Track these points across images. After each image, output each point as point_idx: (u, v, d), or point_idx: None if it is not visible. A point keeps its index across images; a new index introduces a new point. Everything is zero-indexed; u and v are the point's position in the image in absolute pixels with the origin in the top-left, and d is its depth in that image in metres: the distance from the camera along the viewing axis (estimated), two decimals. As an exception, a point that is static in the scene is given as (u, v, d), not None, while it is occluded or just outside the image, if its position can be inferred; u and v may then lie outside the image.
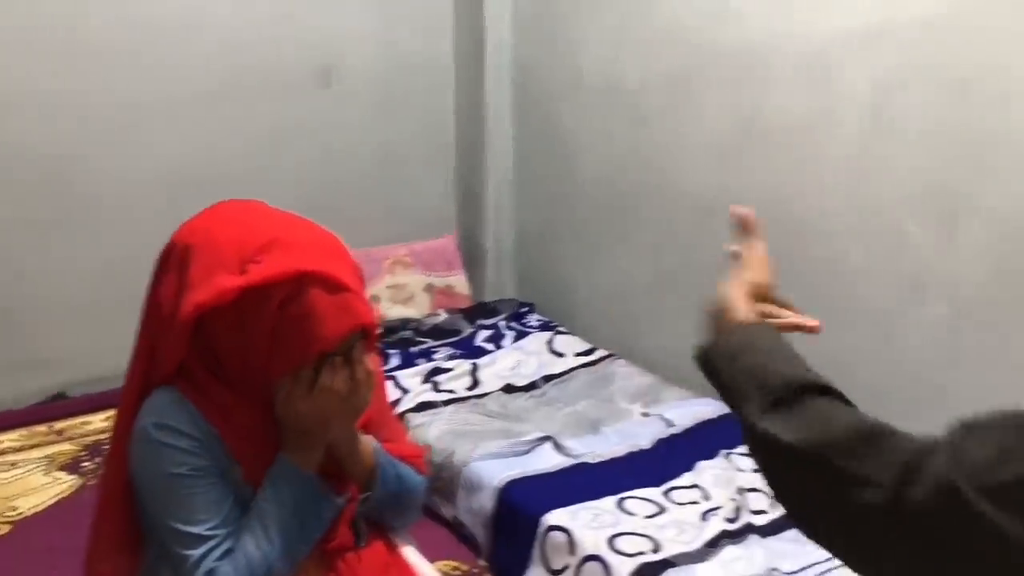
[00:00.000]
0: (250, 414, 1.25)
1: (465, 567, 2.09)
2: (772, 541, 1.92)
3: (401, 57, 3.14)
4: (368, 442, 1.36)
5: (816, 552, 1.87)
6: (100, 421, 2.59)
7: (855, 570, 0.79)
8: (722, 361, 0.90)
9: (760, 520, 1.98)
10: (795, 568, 1.82)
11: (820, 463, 0.75)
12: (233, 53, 2.86)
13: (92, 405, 2.65)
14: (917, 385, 2.15)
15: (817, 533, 0.80)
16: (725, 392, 0.89)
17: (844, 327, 2.27)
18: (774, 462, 0.83)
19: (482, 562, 2.09)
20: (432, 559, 2.02)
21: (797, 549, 1.87)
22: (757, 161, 2.43)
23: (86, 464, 2.41)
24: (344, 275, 1.22)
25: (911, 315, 2.14)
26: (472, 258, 3.30)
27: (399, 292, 3.05)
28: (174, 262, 1.24)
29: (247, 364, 1.22)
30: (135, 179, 2.78)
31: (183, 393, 1.24)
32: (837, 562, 1.82)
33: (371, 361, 1.27)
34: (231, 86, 2.87)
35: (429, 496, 2.14)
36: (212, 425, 1.23)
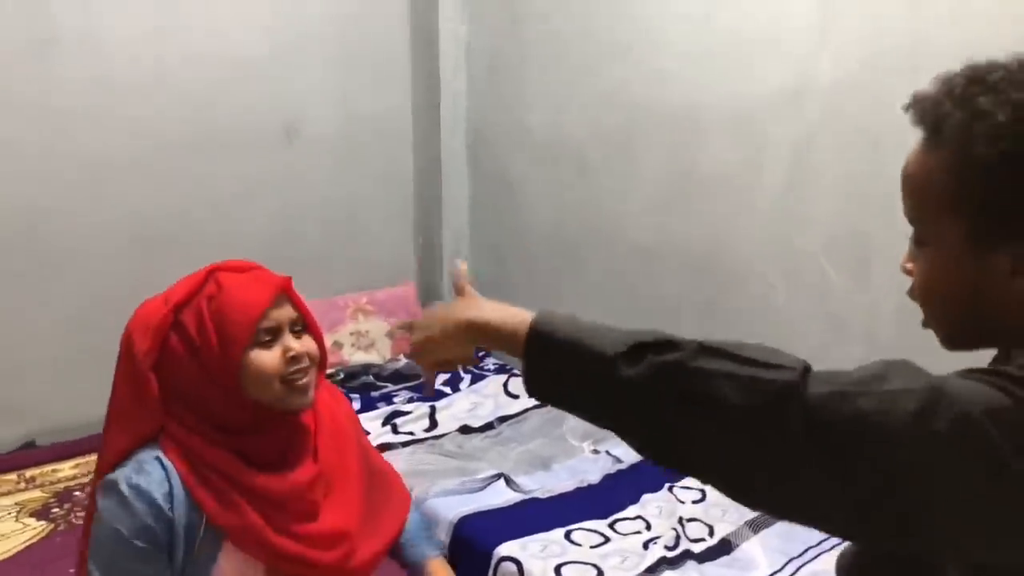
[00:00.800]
0: (222, 456, 1.35)
1: (422, 600, 2.19)
2: (708, 566, 2.04)
3: (361, 114, 3.30)
4: None
5: (745, 575, 2.01)
6: (69, 468, 2.66)
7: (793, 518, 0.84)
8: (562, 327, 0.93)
9: (697, 547, 2.11)
10: (728, 590, 1.95)
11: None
12: (199, 110, 2.98)
13: (61, 453, 2.72)
14: (843, 418, 2.31)
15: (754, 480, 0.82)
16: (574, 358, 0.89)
17: (776, 365, 2.44)
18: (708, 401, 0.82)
19: (438, 594, 2.19)
20: (390, 593, 2.13)
21: (729, 573, 2.01)
22: (693, 211, 2.61)
23: (55, 510, 2.48)
24: (253, 264, 1.38)
25: (834, 353, 2.30)
26: (432, 304, 3.43)
27: (361, 338, 3.17)
28: (122, 353, 1.36)
29: (211, 376, 1.31)
30: (102, 233, 2.87)
31: (165, 452, 1.34)
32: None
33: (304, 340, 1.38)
34: (197, 143, 2.99)
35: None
36: (184, 481, 1.32)
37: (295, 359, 1.33)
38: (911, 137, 2.20)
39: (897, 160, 2.16)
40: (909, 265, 0.98)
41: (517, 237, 3.25)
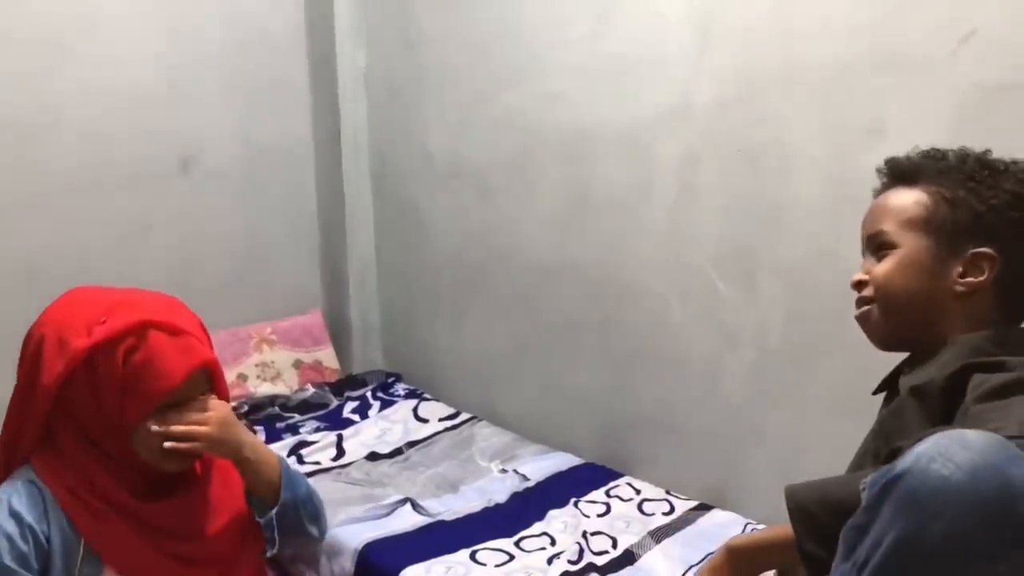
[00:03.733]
0: (108, 479, 1.34)
1: (329, 630, 2.17)
2: (611, 578, 2.08)
3: (261, 143, 3.27)
4: (271, 453, 1.47)
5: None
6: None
7: None
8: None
9: (601, 560, 2.14)
10: (628, 600, 1.98)
11: None
12: (92, 145, 2.91)
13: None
14: (739, 425, 2.38)
15: None
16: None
17: (674, 377, 2.50)
18: None
19: (345, 623, 2.17)
20: (296, 625, 2.11)
21: (632, 583, 2.05)
22: (589, 230, 2.66)
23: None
24: (183, 323, 1.36)
25: (727, 362, 2.38)
26: (339, 333, 3.42)
27: (267, 369, 3.13)
28: (30, 351, 1.35)
29: (104, 421, 1.31)
30: (-5, 274, 2.80)
31: (39, 473, 1.32)
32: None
33: (216, 402, 1.40)
34: (91, 178, 2.92)
35: (294, 561, 2.23)
36: (60, 503, 1.31)
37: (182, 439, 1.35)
38: (783, 155, 2.30)
39: (774, 174, 2.26)
40: (865, 277, 1.24)
41: (422, 261, 3.26)
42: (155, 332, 1.32)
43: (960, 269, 1.17)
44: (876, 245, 1.23)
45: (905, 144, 1.31)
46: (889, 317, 1.22)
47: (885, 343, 1.25)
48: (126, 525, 1.33)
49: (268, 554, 1.52)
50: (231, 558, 1.41)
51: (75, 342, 1.31)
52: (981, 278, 1.16)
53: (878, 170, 1.29)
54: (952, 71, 1.86)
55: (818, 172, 2.11)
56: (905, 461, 0.81)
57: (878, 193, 1.28)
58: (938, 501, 0.77)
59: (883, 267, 1.21)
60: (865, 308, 1.24)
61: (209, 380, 1.41)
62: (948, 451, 0.79)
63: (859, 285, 1.25)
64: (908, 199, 1.21)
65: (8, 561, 1.26)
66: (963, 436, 0.80)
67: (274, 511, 1.47)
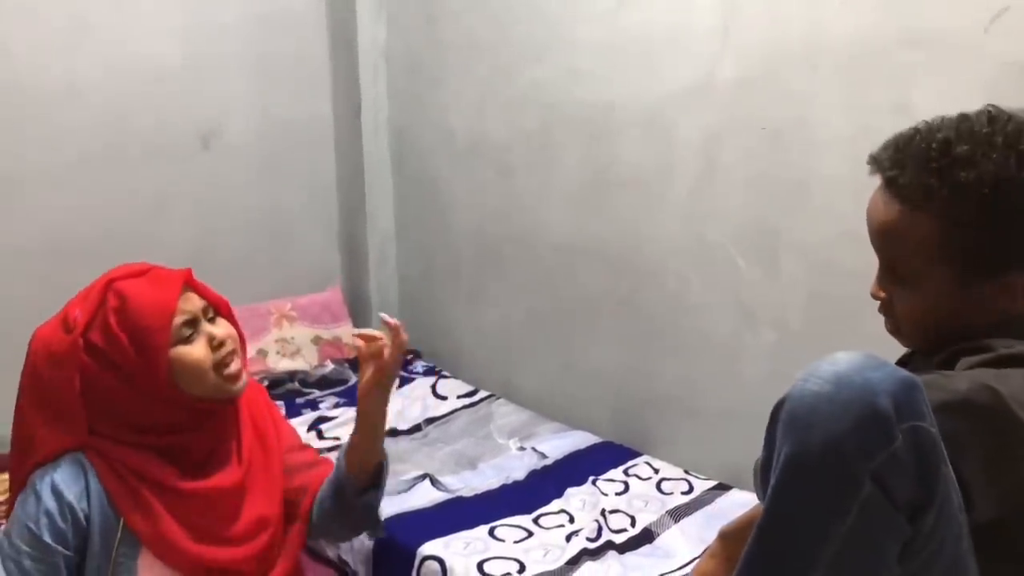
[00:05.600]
0: (147, 461, 1.34)
1: (348, 603, 2.20)
2: (629, 556, 2.08)
3: (281, 119, 3.27)
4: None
5: (665, 563, 2.05)
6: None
7: None
8: None
9: (619, 538, 2.15)
10: (646, 579, 1.99)
11: None
12: (113, 119, 2.94)
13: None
14: (756, 403, 2.33)
15: None
16: None
17: (694, 353, 2.50)
18: None
19: (364, 597, 2.19)
20: (317, 598, 2.13)
21: (649, 562, 2.05)
22: (610, 207, 2.65)
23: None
24: (141, 265, 1.36)
25: (746, 341, 2.36)
26: (358, 309, 3.43)
27: (286, 346, 3.15)
28: (32, 383, 1.35)
29: (139, 385, 1.31)
30: (17, 247, 2.81)
31: (89, 458, 1.33)
32: (683, 572, 2.00)
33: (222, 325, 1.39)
34: (112, 153, 2.94)
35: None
36: (101, 481, 1.32)
37: (220, 344, 1.34)
38: (808, 133, 2.26)
39: (798, 153, 2.23)
40: (882, 294, 1.15)
41: (442, 238, 3.26)
42: (122, 282, 1.32)
43: (989, 292, 1.06)
44: (890, 268, 1.13)
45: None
46: (917, 343, 1.16)
47: (912, 347, 1.19)
48: (166, 508, 1.33)
49: (374, 537, 1.52)
50: (269, 541, 1.42)
51: (61, 345, 1.30)
52: (1015, 303, 1.06)
53: (873, 160, 1.14)
54: (983, 49, 1.82)
55: (843, 151, 2.08)
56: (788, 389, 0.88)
57: (878, 202, 1.11)
58: (812, 414, 0.85)
59: (904, 304, 1.12)
60: (890, 323, 1.17)
61: (202, 298, 1.39)
62: (816, 369, 0.88)
63: (878, 298, 1.17)
64: (919, 226, 1.05)
65: (47, 538, 1.27)
66: (831, 355, 0.89)
67: (381, 486, 1.48)
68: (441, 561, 2.04)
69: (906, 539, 0.86)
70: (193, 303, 1.35)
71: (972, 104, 1.23)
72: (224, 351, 1.35)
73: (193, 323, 1.34)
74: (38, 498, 1.30)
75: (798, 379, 0.88)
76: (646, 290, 2.58)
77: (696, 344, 2.47)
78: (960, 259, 1.05)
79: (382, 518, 1.50)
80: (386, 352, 1.38)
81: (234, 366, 1.36)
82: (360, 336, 1.41)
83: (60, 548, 1.28)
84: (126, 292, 1.31)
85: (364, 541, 2.21)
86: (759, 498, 1.02)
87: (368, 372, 1.41)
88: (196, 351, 1.32)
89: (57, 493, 1.29)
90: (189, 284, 1.36)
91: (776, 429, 0.89)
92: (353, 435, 1.47)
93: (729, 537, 1.19)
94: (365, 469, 1.46)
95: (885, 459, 0.83)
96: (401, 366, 1.39)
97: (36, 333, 1.35)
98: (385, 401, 1.45)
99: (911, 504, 0.85)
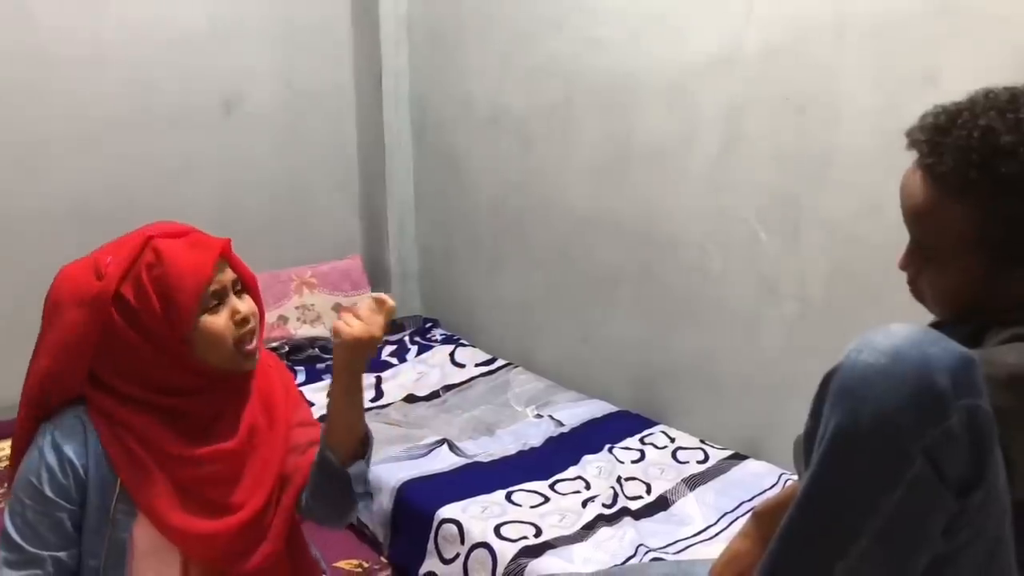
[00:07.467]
0: (149, 423, 1.36)
1: (367, 564, 2.23)
2: (644, 522, 2.11)
3: (303, 88, 3.28)
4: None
5: (680, 530, 2.07)
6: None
7: None
8: None
9: (634, 504, 2.17)
10: (661, 544, 2.01)
11: None
12: (137, 85, 2.95)
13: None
14: (775, 375, 2.38)
15: None
16: None
17: (712, 325, 2.50)
18: None
19: (383, 558, 2.23)
20: (337, 559, 2.17)
21: (664, 528, 2.08)
22: (630, 179, 2.64)
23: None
24: (180, 226, 1.36)
25: (766, 313, 2.37)
26: (378, 278, 3.45)
27: (307, 312, 3.17)
28: (50, 323, 1.35)
29: (157, 344, 1.31)
30: (43, 211, 2.84)
31: (89, 413, 1.35)
32: (698, 539, 2.02)
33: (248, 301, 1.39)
34: (135, 118, 2.96)
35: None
36: (100, 438, 1.33)
37: (244, 320, 1.35)
38: (833, 105, 2.24)
39: (823, 124, 2.22)
40: (910, 268, 1.15)
41: (462, 208, 3.27)
42: (162, 240, 1.32)
43: (1018, 278, 1.05)
44: (921, 247, 1.13)
45: (961, 96, 1.17)
46: (942, 313, 1.16)
47: (940, 316, 1.18)
48: (160, 471, 1.34)
49: (361, 509, 1.48)
50: (264, 507, 1.42)
51: (90, 291, 1.30)
52: None
53: (911, 142, 1.11)
54: (1013, 18, 1.80)
55: (868, 122, 2.06)
56: (839, 360, 0.86)
57: (914, 183, 1.09)
58: (865, 386, 0.83)
59: (931, 281, 1.12)
60: (916, 293, 1.17)
61: (234, 271, 1.39)
62: (872, 341, 0.85)
63: (905, 270, 1.17)
64: (955, 216, 1.05)
65: (49, 492, 1.29)
66: (886, 327, 0.87)
67: (367, 457, 1.42)
68: (459, 524, 2.07)
69: (952, 514, 0.85)
70: (226, 274, 1.36)
71: (1003, 75, 1.20)
72: (245, 328, 1.35)
73: (221, 294, 1.34)
74: (40, 454, 1.31)
75: (851, 350, 0.86)
76: (666, 261, 2.58)
77: (715, 316, 2.48)
78: (993, 249, 1.04)
79: (371, 490, 1.46)
80: (375, 330, 1.34)
81: (251, 345, 1.37)
82: (348, 310, 1.37)
83: (62, 502, 1.30)
84: (163, 251, 1.30)
85: (382, 502, 2.25)
86: (797, 469, 1.02)
87: (348, 350, 1.36)
88: (219, 322, 1.33)
89: (57, 448, 1.31)
90: (225, 255, 1.37)
91: (825, 399, 0.87)
92: (332, 418, 1.41)
93: (763, 517, 1.18)
94: (349, 445, 1.41)
95: (938, 436, 0.81)
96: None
97: (62, 270, 1.35)
98: (362, 375, 1.42)
99: (961, 481, 0.84)
